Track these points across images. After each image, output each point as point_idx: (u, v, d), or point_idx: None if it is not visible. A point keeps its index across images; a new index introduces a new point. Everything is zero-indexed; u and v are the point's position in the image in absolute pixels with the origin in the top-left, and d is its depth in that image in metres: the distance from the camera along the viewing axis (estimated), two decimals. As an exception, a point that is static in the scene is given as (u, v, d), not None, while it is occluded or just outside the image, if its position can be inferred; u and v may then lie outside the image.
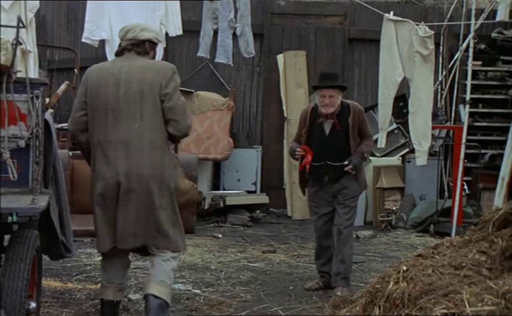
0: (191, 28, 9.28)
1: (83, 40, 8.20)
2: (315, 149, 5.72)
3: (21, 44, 4.24)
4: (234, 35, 8.47)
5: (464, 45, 9.30)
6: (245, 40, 8.42)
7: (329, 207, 5.84)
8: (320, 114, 5.75)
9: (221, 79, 10.03)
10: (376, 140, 8.64)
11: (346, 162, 5.70)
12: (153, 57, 4.71)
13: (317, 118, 5.77)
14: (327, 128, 5.76)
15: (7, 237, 4.19)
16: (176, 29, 8.21)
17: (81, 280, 5.99)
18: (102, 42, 8.49)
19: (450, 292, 3.33)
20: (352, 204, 5.81)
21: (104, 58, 8.59)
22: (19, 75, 4.34)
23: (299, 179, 6.00)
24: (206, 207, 9.02)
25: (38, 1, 7.02)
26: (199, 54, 8.62)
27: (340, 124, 5.73)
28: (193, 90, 9.33)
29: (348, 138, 5.73)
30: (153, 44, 4.66)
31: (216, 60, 8.66)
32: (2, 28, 4.24)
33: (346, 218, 5.76)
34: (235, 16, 8.39)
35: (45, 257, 4.76)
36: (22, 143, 4.18)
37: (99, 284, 5.81)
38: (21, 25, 4.19)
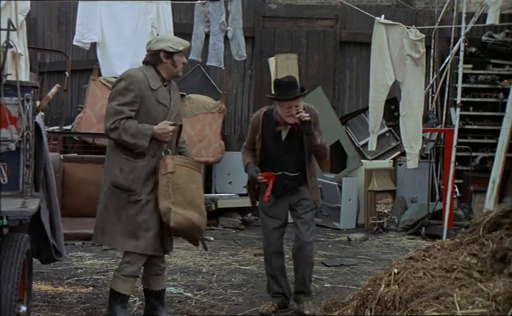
0: (183, 31, 9.26)
1: (74, 43, 8.19)
2: (271, 157, 5.24)
3: (11, 47, 4.22)
4: (226, 38, 8.48)
5: (455, 48, 9.34)
6: (236, 43, 8.43)
7: (283, 220, 5.36)
8: (279, 122, 5.22)
9: (213, 82, 10.03)
10: (367, 143, 8.67)
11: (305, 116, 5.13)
12: (172, 65, 4.77)
13: (275, 126, 5.23)
14: (284, 134, 5.25)
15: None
16: (167, 32, 8.22)
17: (72, 284, 5.96)
18: (94, 45, 8.48)
19: (441, 295, 3.34)
20: (312, 217, 5.33)
21: (95, 61, 8.59)
22: (9, 78, 4.32)
23: (248, 188, 5.46)
24: (197, 210, 8.99)
25: (28, 4, 7.00)
26: (190, 57, 8.61)
27: (300, 130, 5.21)
28: (184, 93, 9.31)
29: (302, 144, 5.24)
30: (167, 53, 4.73)
31: (208, 63, 8.66)
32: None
33: (309, 232, 5.28)
34: (227, 19, 8.40)
35: (35, 261, 4.73)
36: (12, 146, 4.16)
37: (90, 288, 5.82)
38: (11, 27, 4.18)
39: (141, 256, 4.71)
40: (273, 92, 5.30)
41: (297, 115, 5.07)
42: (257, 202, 5.49)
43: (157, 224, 4.67)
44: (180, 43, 4.80)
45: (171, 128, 4.67)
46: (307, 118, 5.08)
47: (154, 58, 4.75)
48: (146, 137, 4.60)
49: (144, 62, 4.82)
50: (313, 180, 5.35)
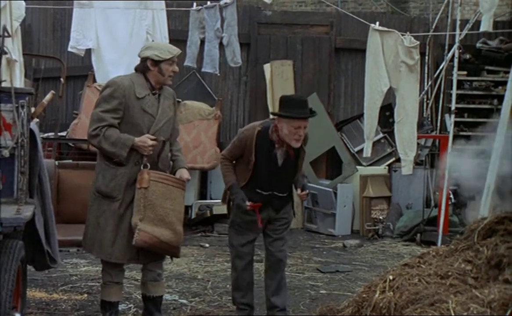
0: (178, 37, 9.27)
1: (69, 49, 8.18)
2: (265, 178, 4.98)
3: (6, 53, 4.21)
4: (221, 44, 8.49)
5: (449, 55, 9.37)
6: (231, 49, 8.44)
7: (257, 234, 5.19)
8: (276, 141, 4.93)
9: (208, 89, 10.03)
10: (362, 150, 8.68)
11: (301, 192, 5.03)
12: (159, 73, 4.74)
13: (271, 147, 4.93)
14: (280, 158, 4.97)
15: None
16: (162, 38, 8.22)
17: (67, 291, 5.94)
18: (89, 51, 8.48)
19: (436, 301, 3.34)
20: (287, 231, 5.22)
21: (90, 67, 8.59)
22: (4, 84, 4.31)
23: (224, 197, 5.27)
24: (193, 216, 9.00)
25: (23, 10, 7.00)
26: (185, 63, 8.62)
27: (294, 154, 5.00)
28: (180, 100, 9.31)
29: (297, 168, 5.08)
30: (154, 61, 4.71)
31: (203, 69, 8.67)
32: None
33: (284, 246, 5.19)
34: (222, 26, 8.41)
35: (30, 268, 4.72)
36: (6, 153, 4.15)
37: (85, 295, 5.80)
38: (6, 34, 4.17)
39: (116, 264, 4.74)
40: (279, 110, 4.93)
41: (303, 196, 5.08)
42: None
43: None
44: (168, 51, 4.74)
45: (150, 142, 4.62)
46: (305, 197, 5.17)
47: (142, 65, 4.75)
48: (125, 147, 4.59)
49: (135, 69, 4.81)
50: (294, 195, 5.24)
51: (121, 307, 5.44)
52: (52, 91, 5.12)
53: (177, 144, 5.00)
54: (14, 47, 6.40)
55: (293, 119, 4.80)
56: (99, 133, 4.60)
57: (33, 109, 4.59)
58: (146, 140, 4.62)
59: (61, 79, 8.47)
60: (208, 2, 8.40)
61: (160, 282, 4.92)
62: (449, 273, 3.66)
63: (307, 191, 5.08)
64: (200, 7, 8.41)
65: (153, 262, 4.82)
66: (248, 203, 4.95)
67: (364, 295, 3.77)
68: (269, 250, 5.17)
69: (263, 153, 4.93)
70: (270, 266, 5.18)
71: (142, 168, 4.63)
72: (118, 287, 4.87)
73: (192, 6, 8.50)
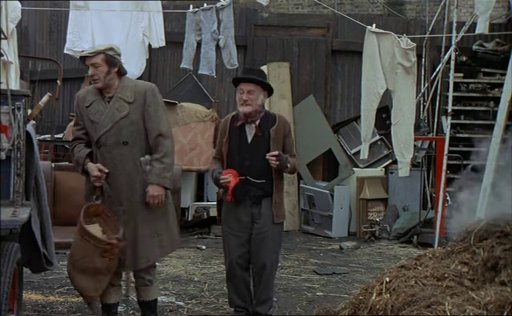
0: (175, 40, 9.29)
1: (65, 51, 8.16)
2: (235, 160, 4.94)
3: (2, 55, 4.21)
4: (218, 46, 8.48)
5: (446, 57, 9.39)
6: (228, 52, 8.43)
7: (247, 235, 5.00)
8: (239, 116, 4.99)
9: (205, 91, 10.03)
10: (358, 152, 8.69)
11: (272, 153, 4.87)
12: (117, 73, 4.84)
13: (242, 126, 4.97)
14: (249, 134, 4.97)
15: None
16: (159, 41, 8.21)
17: (63, 293, 5.93)
18: (85, 53, 8.44)
19: (433, 303, 3.34)
20: (272, 235, 4.99)
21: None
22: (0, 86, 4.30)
23: (217, 202, 5.18)
24: (189, 218, 8.99)
25: (19, 11, 6.99)
26: (182, 65, 8.61)
27: (262, 132, 4.96)
28: (176, 102, 9.32)
29: (269, 150, 4.91)
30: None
31: (200, 71, 8.65)
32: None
33: (266, 251, 4.98)
34: (218, 28, 8.40)
35: (26, 270, 4.71)
36: (3, 155, 4.14)
37: (81, 297, 5.78)
38: (2, 36, 4.16)
39: None
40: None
41: (271, 158, 4.84)
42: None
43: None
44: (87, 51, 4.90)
45: (94, 173, 4.60)
46: (275, 163, 4.86)
47: None
48: (79, 166, 4.73)
49: None
50: (279, 195, 5.02)
51: (119, 309, 5.44)
52: (49, 93, 5.11)
53: (162, 148, 4.69)
54: (9, 49, 6.38)
55: (238, 84, 4.96)
56: (71, 148, 4.84)
57: (29, 111, 4.59)
58: (92, 170, 4.65)
59: (58, 81, 8.47)
60: (205, 4, 8.40)
61: (150, 287, 4.92)
62: (446, 275, 3.67)
63: (277, 153, 4.85)
64: (196, 9, 8.40)
65: (142, 268, 4.82)
66: (221, 178, 4.86)
67: (360, 297, 3.77)
68: (252, 257, 5.02)
69: (235, 135, 4.99)
70: (255, 272, 5.05)
71: (94, 199, 4.66)
72: (115, 289, 4.88)
73: (188, 8, 8.49)
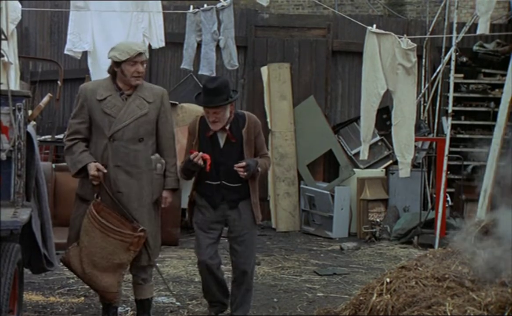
0: (175, 40, 9.28)
1: (65, 52, 8.16)
2: (211, 164, 4.86)
3: (3, 56, 4.21)
4: (218, 47, 8.48)
5: (446, 58, 9.39)
6: (228, 52, 8.43)
7: (218, 233, 5.06)
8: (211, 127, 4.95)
9: (205, 91, 10.01)
10: (359, 152, 8.68)
11: (239, 164, 4.81)
12: (122, 74, 4.81)
13: (208, 130, 4.92)
14: (221, 139, 4.92)
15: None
16: (159, 41, 8.20)
17: (64, 294, 5.93)
18: (85, 54, 8.46)
19: (433, 304, 3.34)
20: (251, 239, 5.00)
21: (87, 70, 8.58)
22: (0, 87, 4.30)
23: (188, 206, 5.13)
24: (190, 219, 8.98)
25: (19, 12, 6.99)
26: (182, 66, 8.61)
27: (234, 135, 4.90)
28: (177, 102, 9.32)
29: (243, 153, 4.89)
30: (115, 63, 4.82)
31: (200, 72, 8.65)
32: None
33: (248, 255, 4.96)
34: (219, 29, 8.40)
35: (26, 271, 4.71)
36: (3, 156, 4.15)
37: (82, 298, 5.79)
38: (3, 37, 4.17)
39: None
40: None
41: (239, 169, 4.77)
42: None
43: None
44: (126, 52, 4.75)
45: (92, 172, 4.64)
46: (243, 174, 4.79)
47: (110, 67, 4.86)
48: (76, 168, 4.72)
49: (107, 71, 4.91)
50: (256, 195, 4.97)
51: (119, 309, 5.44)
52: (49, 94, 5.12)
53: (174, 153, 4.94)
54: (9, 50, 6.38)
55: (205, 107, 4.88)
56: (67, 144, 4.77)
57: (30, 112, 4.59)
58: (90, 168, 4.68)
59: (58, 82, 8.47)
60: (205, 5, 8.40)
61: (143, 285, 4.97)
62: (446, 276, 3.67)
63: (244, 164, 4.79)
64: (197, 10, 8.40)
65: (136, 267, 4.89)
66: (192, 156, 4.80)
67: (361, 298, 3.77)
68: (232, 261, 5.01)
69: (206, 138, 4.91)
70: (234, 278, 5.02)
71: (95, 197, 4.70)
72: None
73: (189, 9, 8.50)
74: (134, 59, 4.74)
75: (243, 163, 4.78)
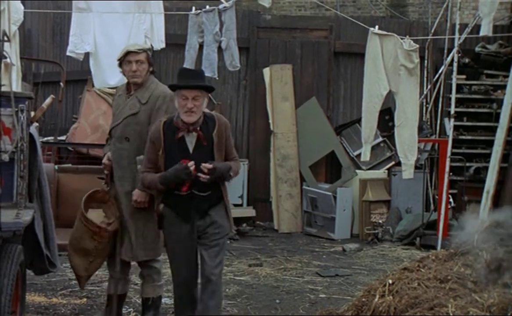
0: (177, 42, 9.29)
1: (67, 53, 8.17)
2: None
3: (5, 57, 4.21)
4: (220, 48, 8.49)
5: (449, 59, 9.38)
6: (230, 53, 8.43)
7: (194, 249, 4.51)
8: (180, 125, 4.43)
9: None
10: (360, 154, 8.67)
11: (206, 165, 4.37)
12: (123, 74, 5.05)
13: (176, 132, 4.44)
14: (190, 143, 4.45)
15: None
16: (159, 42, 8.20)
17: (66, 295, 5.94)
18: (88, 56, 8.47)
19: (436, 306, 3.34)
20: (221, 245, 4.51)
21: (90, 72, 8.59)
22: (3, 88, 4.30)
23: (157, 218, 4.62)
24: (192, 220, 8.99)
25: (21, 14, 7.00)
26: (184, 67, 8.60)
27: (206, 139, 4.46)
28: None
29: (213, 157, 4.46)
30: (119, 63, 5.04)
31: (202, 73, 8.64)
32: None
33: (216, 263, 4.44)
34: (221, 30, 8.41)
35: (29, 272, 4.71)
36: (6, 157, 4.15)
37: (84, 299, 5.79)
38: (5, 38, 4.17)
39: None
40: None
41: (202, 176, 4.33)
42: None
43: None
44: (122, 52, 4.97)
45: (103, 160, 4.99)
46: (205, 179, 4.34)
47: None
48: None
49: None
50: (228, 200, 4.58)
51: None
52: (52, 96, 5.14)
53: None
54: (11, 51, 6.39)
55: (180, 90, 4.41)
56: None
57: (32, 113, 4.60)
58: (103, 157, 5.04)
59: (61, 84, 8.47)
60: (207, 6, 8.40)
61: (144, 284, 5.06)
62: (449, 277, 3.67)
63: (212, 166, 4.35)
64: (199, 11, 8.41)
65: (141, 265, 5.04)
66: (189, 164, 4.34)
67: (363, 299, 3.77)
68: (201, 267, 4.50)
69: (172, 143, 4.44)
70: (201, 286, 4.52)
71: (103, 186, 5.00)
72: (114, 281, 5.04)
73: (191, 10, 8.50)
74: (127, 59, 4.89)
75: (210, 165, 4.35)
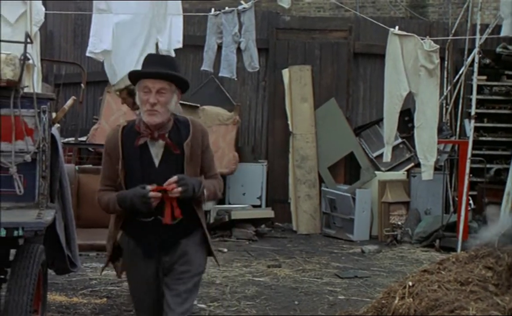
0: (196, 43, 9.32)
1: (87, 54, 8.22)
2: None
3: (28, 59, 4.26)
4: (239, 49, 8.50)
5: (469, 59, 9.31)
6: (249, 54, 8.45)
7: (159, 290, 3.52)
8: (142, 129, 3.44)
9: (227, 94, 10.06)
10: (380, 155, 8.64)
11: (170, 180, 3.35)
12: None
13: (136, 139, 3.43)
14: (155, 156, 3.45)
15: (13, 251, 4.19)
16: (176, 43, 8.20)
17: (86, 295, 5.98)
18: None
19: (456, 308, 3.32)
20: (191, 288, 3.48)
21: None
22: (26, 90, 4.36)
23: (113, 254, 3.62)
24: (211, 221, 9.02)
25: (43, 15, 7.06)
26: (202, 68, 8.64)
27: (177, 147, 3.45)
28: (198, 105, 9.36)
29: (183, 169, 3.43)
30: None
31: (220, 74, 8.68)
32: (5, 43, 4.28)
33: (182, 311, 3.42)
34: (240, 31, 8.42)
35: (50, 272, 4.76)
36: (28, 158, 4.19)
37: (104, 299, 5.83)
38: (28, 40, 4.22)
39: None
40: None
41: (171, 188, 3.33)
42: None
43: None
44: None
45: None
46: (177, 191, 3.34)
47: None
48: None
49: None
50: (203, 223, 3.57)
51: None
52: (73, 97, 5.18)
53: None
54: (33, 52, 6.44)
55: (140, 81, 3.42)
56: None
57: (54, 115, 4.64)
58: None
59: (82, 85, 8.52)
60: (226, 8, 8.43)
61: None
62: (469, 280, 3.64)
63: (176, 178, 3.34)
64: (218, 12, 8.43)
65: None
66: (149, 187, 3.32)
67: (383, 301, 3.76)
68: (164, 311, 3.47)
69: (133, 153, 3.43)
70: None
71: None
72: None
73: (210, 11, 8.53)
74: None
75: (175, 177, 3.33)
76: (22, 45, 4.25)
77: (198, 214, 3.51)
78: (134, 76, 3.46)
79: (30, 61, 4.49)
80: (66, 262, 4.63)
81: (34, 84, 5.88)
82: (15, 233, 3.74)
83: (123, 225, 3.52)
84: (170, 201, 3.35)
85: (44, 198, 4.23)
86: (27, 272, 3.86)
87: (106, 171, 3.51)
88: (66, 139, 8.69)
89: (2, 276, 4.29)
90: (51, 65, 10.10)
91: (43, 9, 7.17)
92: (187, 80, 3.57)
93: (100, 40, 8.07)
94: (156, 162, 3.44)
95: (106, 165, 3.51)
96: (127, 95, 4.83)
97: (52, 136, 4.36)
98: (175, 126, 3.47)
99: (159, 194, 3.32)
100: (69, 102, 5.04)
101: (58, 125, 5.30)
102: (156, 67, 3.42)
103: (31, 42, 4.35)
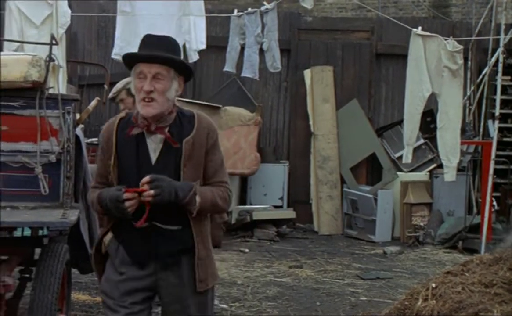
0: (219, 44, 9.34)
1: (112, 56, 8.29)
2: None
3: (53, 60, 4.31)
4: (261, 50, 8.52)
5: (493, 59, 9.23)
6: (271, 55, 8.46)
7: (148, 306, 3.04)
8: (139, 121, 3.01)
9: (249, 94, 10.07)
10: (402, 156, 8.59)
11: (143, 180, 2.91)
12: None
13: (131, 130, 3.01)
14: (153, 149, 3.00)
15: (38, 250, 4.25)
16: (199, 44, 8.23)
17: (109, 294, 6.02)
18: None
19: (481, 311, 3.30)
20: (202, 303, 3.06)
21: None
22: (51, 91, 4.41)
23: (95, 256, 3.13)
24: (233, 222, 9.04)
25: (69, 17, 7.14)
26: (225, 69, 8.67)
27: (176, 140, 3.00)
28: (220, 105, 9.38)
29: (180, 170, 2.97)
30: None
31: (242, 74, 8.70)
32: (31, 45, 4.33)
33: None
34: (262, 32, 8.43)
35: (74, 271, 4.81)
36: (53, 158, 4.25)
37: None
38: (54, 42, 4.28)
39: None
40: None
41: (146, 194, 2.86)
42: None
43: None
44: None
45: None
46: (146, 197, 2.87)
47: None
48: None
49: None
50: (205, 245, 3.05)
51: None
52: (97, 98, 5.23)
53: None
54: (58, 54, 6.52)
55: (135, 66, 2.98)
56: None
57: (78, 115, 4.70)
58: None
59: (105, 86, 8.59)
60: (249, 8, 8.45)
61: None
62: (494, 282, 3.61)
63: (148, 178, 2.88)
64: (241, 13, 8.46)
65: None
66: (123, 189, 2.90)
67: (406, 303, 3.74)
68: None
69: (128, 147, 3.01)
70: None
71: None
72: None
73: (233, 12, 8.56)
74: None
75: (147, 178, 2.88)
76: (48, 46, 4.30)
77: (192, 229, 2.96)
78: (128, 59, 3.01)
79: (56, 63, 4.55)
80: (89, 261, 4.66)
81: (59, 85, 5.96)
82: (40, 232, 3.80)
83: (112, 228, 3.05)
84: (146, 204, 2.88)
85: (68, 198, 4.28)
86: (51, 271, 3.91)
87: (99, 169, 3.10)
88: (90, 140, 8.73)
89: (27, 275, 4.35)
90: (75, 66, 10.19)
91: (69, 11, 7.26)
92: (189, 64, 3.20)
93: (127, 43, 8.12)
94: (153, 158, 2.98)
95: (101, 158, 3.09)
96: (127, 95, 4.83)
97: (76, 137, 4.42)
98: (178, 120, 3.01)
99: (134, 197, 2.87)
100: (93, 103, 5.10)
101: (82, 125, 5.36)
102: (152, 50, 2.96)
103: (56, 44, 4.41)
